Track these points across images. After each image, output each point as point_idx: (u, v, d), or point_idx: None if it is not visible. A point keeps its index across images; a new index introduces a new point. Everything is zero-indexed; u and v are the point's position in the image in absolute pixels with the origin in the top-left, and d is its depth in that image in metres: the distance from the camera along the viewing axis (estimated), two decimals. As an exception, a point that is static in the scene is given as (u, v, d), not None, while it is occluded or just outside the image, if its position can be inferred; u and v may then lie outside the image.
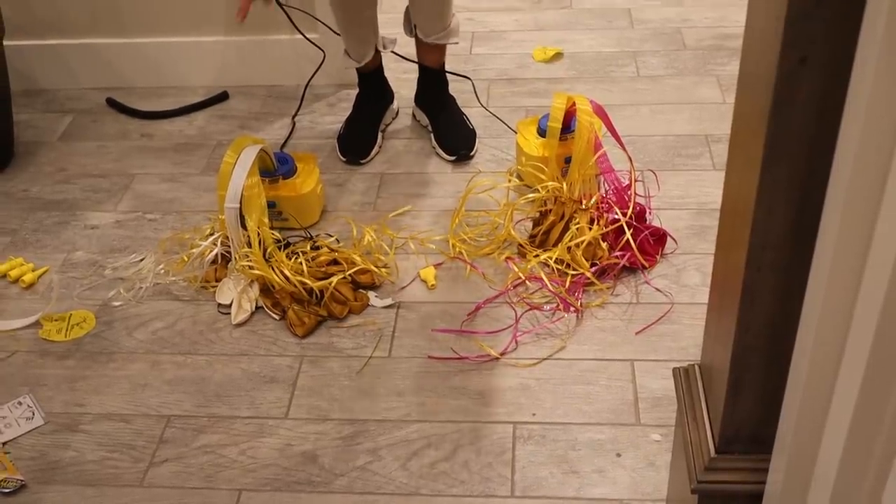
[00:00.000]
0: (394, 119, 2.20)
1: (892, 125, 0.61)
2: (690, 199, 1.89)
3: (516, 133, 1.95)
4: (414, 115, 2.22)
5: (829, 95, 0.69)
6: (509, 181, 1.89)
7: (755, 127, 0.75)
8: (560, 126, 1.81)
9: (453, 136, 2.09)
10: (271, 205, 1.80)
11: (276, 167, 1.83)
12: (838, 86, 0.67)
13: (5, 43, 2.09)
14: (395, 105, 2.20)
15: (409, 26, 2.08)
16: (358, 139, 2.09)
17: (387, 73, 2.17)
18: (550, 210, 1.76)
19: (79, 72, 2.40)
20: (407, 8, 2.06)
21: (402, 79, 2.24)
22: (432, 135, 2.12)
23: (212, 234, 1.77)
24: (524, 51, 2.44)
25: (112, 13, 2.32)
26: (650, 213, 1.81)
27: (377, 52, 2.08)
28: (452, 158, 2.06)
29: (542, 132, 1.88)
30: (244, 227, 1.69)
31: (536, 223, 1.79)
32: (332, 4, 2.02)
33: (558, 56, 2.41)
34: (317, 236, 1.82)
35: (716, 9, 2.60)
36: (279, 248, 1.73)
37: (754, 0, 0.74)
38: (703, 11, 2.60)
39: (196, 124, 2.27)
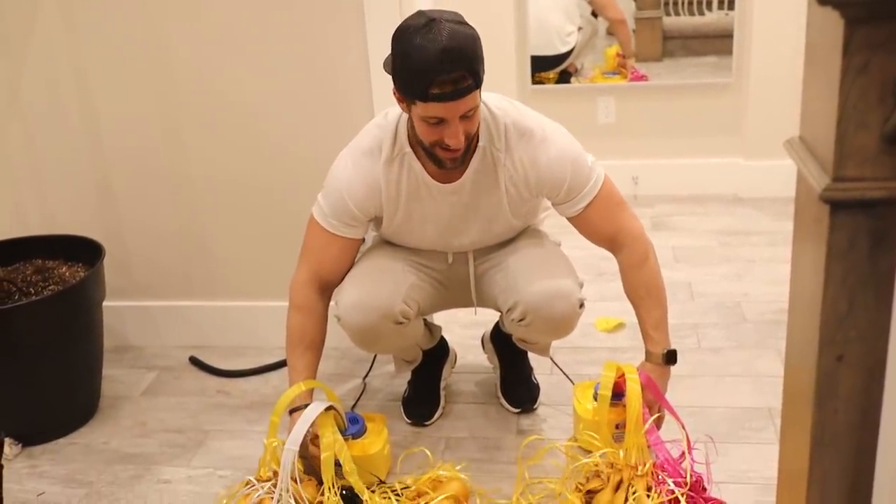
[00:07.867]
0: (453, 368, 2.29)
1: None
2: (755, 472, 1.88)
3: (573, 396, 2.01)
4: (483, 345, 2.31)
5: (868, 390, 0.74)
6: (570, 444, 1.91)
7: (803, 414, 0.80)
8: (609, 394, 1.87)
9: (520, 391, 2.19)
10: (338, 464, 1.85)
11: (346, 427, 1.90)
12: (875, 381, 0.73)
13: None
14: (451, 355, 2.28)
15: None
16: (421, 402, 2.18)
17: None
18: (601, 473, 1.77)
19: (166, 331, 2.57)
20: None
21: (469, 344, 2.32)
22: (498, 383, 2.21)
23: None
24: (587, 321, 2.51)
25: (206, 279, 2.51)
26: (709, 482, 1.79)
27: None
28: (517, 410, 2.15)
29: (596, 397, 1.93)
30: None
31: (590, 492, 1.78)
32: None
33: (620, 326, 2.50)
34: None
35: (774, 284, 2.69)
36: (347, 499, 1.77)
37: (794, 304, 0.81)
38: (762, 287, 2.69)
39: (271, 383, 2.37)
